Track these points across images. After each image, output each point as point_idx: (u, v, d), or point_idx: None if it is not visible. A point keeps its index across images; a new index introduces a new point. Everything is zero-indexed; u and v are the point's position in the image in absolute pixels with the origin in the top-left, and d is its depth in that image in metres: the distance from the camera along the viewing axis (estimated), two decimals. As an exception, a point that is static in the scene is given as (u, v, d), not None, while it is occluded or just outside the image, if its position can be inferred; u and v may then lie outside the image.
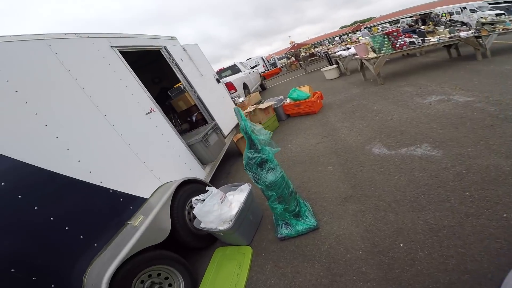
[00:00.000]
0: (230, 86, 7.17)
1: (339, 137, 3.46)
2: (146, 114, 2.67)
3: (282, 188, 2.01)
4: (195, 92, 3.86)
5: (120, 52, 2.79)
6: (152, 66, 5.45)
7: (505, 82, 3.72)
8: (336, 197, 2.30)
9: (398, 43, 5.11)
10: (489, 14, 13.10)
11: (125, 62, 2.78)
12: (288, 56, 24.80)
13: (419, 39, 5.39)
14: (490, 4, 17.15)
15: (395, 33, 5.18)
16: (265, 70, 17.77)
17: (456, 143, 2.43)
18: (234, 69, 9.83)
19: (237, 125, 4.92)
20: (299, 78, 11.55)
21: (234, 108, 2.02)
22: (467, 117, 2.85)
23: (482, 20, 10.36)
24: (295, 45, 34.98)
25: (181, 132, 4.76)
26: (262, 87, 11.66)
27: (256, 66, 11.85)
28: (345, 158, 2.87)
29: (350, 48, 7.50)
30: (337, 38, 28.18)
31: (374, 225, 1.86)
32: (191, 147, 3.16)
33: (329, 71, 7.72)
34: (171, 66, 3.70)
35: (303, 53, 16.31)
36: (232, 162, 4.19)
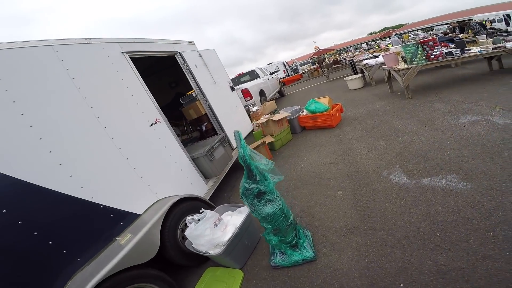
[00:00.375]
0: (246, 93, 7.17)
1: (355, 158, 3.28)
2: (150, 125, 2.65)
3: (280, 221, 1.94)
4: (206, 101, 3.86)
5: (131, 58, 2.82)
6: (170, 70, 5.59)
7: (560, 103, 3.31)
8: (341, 227, 2.18)
9: (434, 53, 4.77)
10: None
11: (134, 69, 2.80)
12: (311, 61, 24.49)
13: (458, 49, 5.01)
14: None
15: (431, 43, 4.83)
16: (286, 75, 17.68)
17: (489, 176, 2.19)
18: (253, 75, 9.87)
19: (249, 135, 4.87)
20: (320, 86, 11.31)
21: (234, 132, 1.95)
22: (506, 145, 2.54)
23: None
24: (319, 50, 34.62)
25: (191, 141, 4.81)
26: (281, 94, 11.56)
27: (275, 72, 11.78)
28: (358, 184, 2.71)
29: (377, 57, 7.19)
30: (364, 45, 27.42)
31: (376, 261, 1.75)
32: (195, 160, 3.13)
33: (353, 81, 7.44)
34: (185, 72, 3.73)
35: (327, 60, 16.03)
36: (238, 175, 4.09)
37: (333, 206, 2.48)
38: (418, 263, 1.63)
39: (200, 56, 4.14)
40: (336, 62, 12.07)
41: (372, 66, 6.95)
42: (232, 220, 2.28)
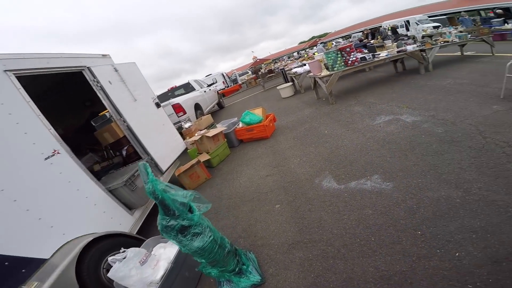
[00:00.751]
0: (178, 108, 6.73)
1: (289, 168, 3.32)
2: (46, 158, 2.21)
3: (215, 252, 1.75)
4: (124, 121, 3.41)
5: (20, 76, 2.34)
6: (84, 87, 4.85)
7: (447, 98, 3.94)
8: (283, 243, 2.14)
9: (350, 59, 5.24)
10: (428, 27, 14.83)
11: (22, 90, 2.31)
12: (251, 71, 25.25)
13: (370, 54, 5.63)
14: (429, 17, 19.54)
15: (348, 49, 5.29)
16: (225, 86, 17.73)
17: (406, 173, 2.40)
18: (187, 88, 9.42)
19: (183, 153, 4.54)
20: (257, 95, 11.64)
21: (139, 165, 1.68)
22: (416, 141, 2.86)
23: (423, 33, 11.67)
24: (257, 60, 35.99)
25: (113, 167, 4.21)
26: (220, 106, 11.43)
27: (213, 83, 11.58)
28: (294, 195, 2.72)
29: (305, 65, 7.70)
30: (295, 54, 29.63)
31: (322, 275, 1.74)
32: (112, 192, 2.74)
33: (284, 89, 7.79)
34: (95, 90, 3.25)
35: (263, 69, 16.66)
36: None
37: (273, 221, 2.43)
38: (361, 272, 1.64)
39: (116, 70, 3.68)
40: (270, 71, 12.60)
41: (301, 74, 7.39)
42: (165, 253, 2.09)
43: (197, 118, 7.40)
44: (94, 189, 2.54)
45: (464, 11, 21.14)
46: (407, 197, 2.09)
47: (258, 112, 4.88)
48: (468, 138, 2.69)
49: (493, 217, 1.70)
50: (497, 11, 14.21)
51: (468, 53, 7.81)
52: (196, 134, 4.86)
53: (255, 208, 2.74)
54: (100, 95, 3.30)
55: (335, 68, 5.18)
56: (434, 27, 14.38)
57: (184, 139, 5.19)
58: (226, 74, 21.03)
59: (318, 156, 3.30)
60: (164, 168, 3.76)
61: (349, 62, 5.19)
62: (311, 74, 5.86)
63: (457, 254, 1.52)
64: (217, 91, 11.76)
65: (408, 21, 18.17)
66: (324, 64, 5.60)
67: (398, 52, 5.81)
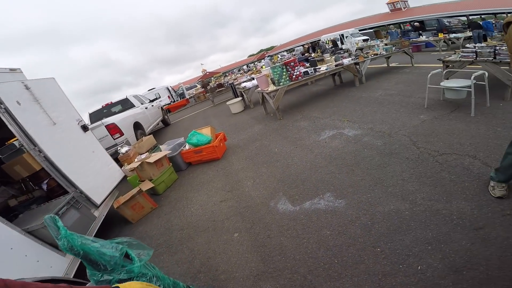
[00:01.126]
0: (113, 129, 5.99)
1: (243, 191, 3.19)
2: None
3: None
4: (40, 151, 2.84)
5: None
6: None
7: (381, 109, 4.34)
8: (248, 275, 2.03)
9: (295, 73, 5.43)
10: (358, 40, 16.67)
11: None
12: (200, 85, 24.69)
13: (312, 68, 5.95)
14: (360, 30, 22.07)
15: (292, 63, 5.47)
16: (171, 102, 16.96)
17: (356, 189, 2.49)
18: (125, 104, 8.47)
19: (122, 182, 4.06)
20: (207, 111, 11.35)
21: (45, 219, 1.33)
22: (360, 156, 3.01)
23: (356, 46, 13.06)
24: (207, 73, 35.50)
25: (35, 201, 3.50)
26: (165, 123, 10.79)
27: (156, 99, 10.86)
28: (251, 221, 2.60)
29: (253, 79, 7.76)
30: (245, 67, 30.13)
31: None
32: (32, 233, 2.29)
33: (234, 105, 7.73)
34: None
35: (212, 83, 16.45)
36: (118, 230, 3.40)
37: (233, 252, 2.30)
38: (333, 297, 1.57)
39: (28, 88, 3.05)
40: (220, 85, 12.38)
41: (250, 88, 7.44)
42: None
43: (137, 139, 6.72)
44: (5, 232, 2.08)
45: (388, 24, 24.64)
46: (360, 213, 2.15)
47: (206, 132, 4.66)
48: (404, 149, 2.93)
49: (442, 226, 1.82)
50: (415, 24, 16.70)
51: (393, 64, 8.93)
52: (135, 160, 4.41)
53: (212, 239, 2.57)
54: (5, 118, 2.67)
55: (281, 83, 5.32)
56: (364, 40, 16.25)
57: (121, 166, 4.65)
58: (172, 88, 20.17)
59: (271, 177, 3.25)
60: (98, 201, 3.28)
61: (294, 76, 5.39)
62: (259, 89, 5.93)
63: (419, 268, 1.57)
64: (161, 107, 11.10)
65: (342, 35, 20.14)
66: (271, 79, 5.71)
67: (336, 65, 6.29)
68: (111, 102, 8.88)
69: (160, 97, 14.51)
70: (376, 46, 8.86)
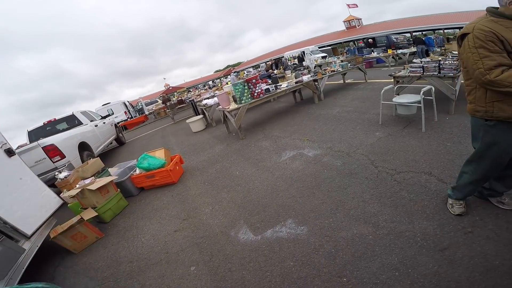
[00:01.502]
0: (52, 151, 5.27)
1: (201, 219, 2.92)
2: None
3: None
4: None
5: None
6: None
7: (339, 127, 4.43)
8: None
9: (256, 91, 5.36)
10: (318, 57, 17.59)
11: None
12: (159, 100, 23.73)
13: (273, 85, 5.94)
14: (319, 47, 23.42)
15: (253, 80, 5.39)
16: (128, 118, 15.95)
17: (317, 214, 2.40)
18: (71, 121, 7.64)
19: (61, 209, 3.57)
20: (166, 128, 10.80)
21: None
22: (320, 177, 2.95)
23: (314, 63, 13.75)
24: (170, 88, 34.41)
25: None
26: (119, 142, 9.99)
27: (109, 115, 10.02)
28: (210, 252, 2.37)
29: (215, 96, 7.55)
30: (210, 82, 29.88)
31: None
32: None
33: (194, 123, 7.39)
34: None
35: (175, 98, 15.85)
36: (58, 261, 3.07)
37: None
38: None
39: None
40: (181, 101, 11.92)
41: (211, 106, 7.21)
42: None
43: (83, 161, 6.00)
44: None
45: (344, 42, 26.60)
46: (323, 240, 2.06)
47: (159, 155, 4.29)
48: (363, 169, 2.94)
49: (407, 250, 1.78)
50: (368, 40, 18.17)
51: (349, 80, 9.47)
52: (77, 186, 3.89)
53: (166, 273, 2.32)
54: None
55: (243, 101, 5.20)
56: (323, 57, 17.21)
57: (60, 191, 4.08)
58: (130, 103, 19.04)
59: (231, 203, 3.04)
60: (29, 231, 2.91)
61: (255, 94, 5.32)
62: (220, 107, 5.73)
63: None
64: (116, 124, 10.28)
65: (303, 52, 21.13)
66: (232, 97, 5.56)
67: (296, 83, 6.41)
68: (55, 118, 7.89)
69: (113, 113, 13.52)
70: (333, 62, 9.35)
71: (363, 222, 2.13)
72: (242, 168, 3.85)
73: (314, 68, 10.95)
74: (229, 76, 21.59)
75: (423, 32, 21.15)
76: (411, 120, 4.05)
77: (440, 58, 4.39)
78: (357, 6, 29.07)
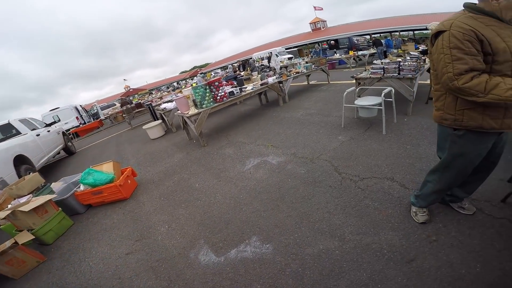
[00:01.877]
0: None
1: (156, 240, 2.64)
2: None
3: None
4: None
5: None
6: None
7: (303, 131, 4.39)
8: None
9: (219, 94, 5.10)
10: (284, 59, 17.83)
11: None
12: (117, 104, 22.17)
13: (238, 88, 5.74)
14: (286, 49, 23.85)
15: (216, 83, 5.11)
16: (80, 124, 14.64)
17: (282, 229, 2.27)
18: (7, 131, 6.72)
19: None
20: (122, 135, 10.01)
21: None
22: (284, 187, 2.84)
23: (281, 64, 13.89)
24: (130, 90, 32.40)
25: None
26: (69, 152, 9.03)
27: (55, 122, 9.01)
28: (168, 277, 2.14)
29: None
30: (175, 84, 28.70)
31: None
32: None
33: (152, 129, 6.86)
34: None
35: (135, 100, 14.86)
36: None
37: None
38: None
39: None
40: (139, 105, 11.10)
41: (171, 110, 6.78)
42: None
43: (20, 176, 5.24)
44: None
45: (310, 43, 27.40)
46: (290, 259, 1.95)
47: (107, 168, 3.85)
48: (327, 176, 2.88)
49: (374, 264, 1.74)
50: (331, 42, 18.84)
51: (313, 82, 9.66)
52: (9, 205, 3.36)
53: None
54: None
55: (204, 105, 4.91)
56: (289, 59, 17.46)
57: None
58: (83, 108, 17.52)
59: (190, 220, 2.78)
60: None
61: (218, 97, 5.07)
62: (179, 112, 5.36)
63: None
64: (64, 132, 9.29)
65: (271, 53, 21.31)
66: (193, 100, 5.22)
67: (261, 85, 6.30)
68: None
69: (60, 120, 12.26)
70: (298, 64, 9.46)
71: (329, 235, 2.06)
72: (202, 180, 3.58)
73: (280, 70, 11.00)
74: (195, 78, 20.96)
75: (381, 34, 22.63)
76: (372, 123, 4.14)
77: (399, 60, 4.57)
78: (322, 8, 30.30)
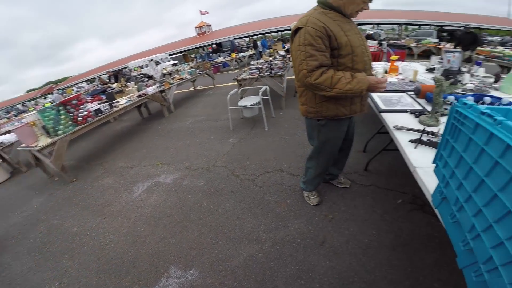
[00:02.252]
0: None
1: None
2: None
3: None
4: None
5: None
6: None
7: (194, 141, 4.31)
8: None
9: (80, 115, 4.25)
10: (168, 65, 17.00)
11: None
12: None
13: (107, 104, 4.96)
14: (170, 55, 22.74)
15: (74, 101, 4.20)
16: None
17: (199, 250, 2.10)
18: None
19: None
20: None
21: None
22: (186, 206, 2.68)
23: (164, 72, 13.17)
24: None
25: None
26: None
27: None
28: None
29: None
30: (19, 106, 22.13)
31: None
32: None
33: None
34: None
35: None
36: None
37: None
38: None
39: None
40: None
41: (12, 144, 5.19)
42: None
43: None
44: None
45: (195, 48, 27.14)
46: (221, 277, 1.82)
47: None
48: (226, 182, 2.91)
49: (296, 255, 1.84)
50: (213, 46, 19.18)
51: (199, 87, 9.67)
52: None
53: None
54: None
55: (60, 131, 3.91)
56: (173, 65, 16.75)
57: None
58: None
59: (84, 270, 2.18)
60: None
61: (80, 119, 4.22)
62: (23, 145, 3.95)
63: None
64: None
65: (151, 60, 19.78)
66: (43, 127, 4.04)
67: (139, 96, 5.74)
68: None
69: None
70: (182, 70, 9.22)
71: (247, 241, 2.06)
72: (81, 222, 2.88)
73: (163, 77, 10.42)
74: (50, 96, 16.90)
75: (257, 36, 24.94)
76: (256, 121, 4.51)
77: (271, 59, 5.16)
78: (208, 13, 30.68)
